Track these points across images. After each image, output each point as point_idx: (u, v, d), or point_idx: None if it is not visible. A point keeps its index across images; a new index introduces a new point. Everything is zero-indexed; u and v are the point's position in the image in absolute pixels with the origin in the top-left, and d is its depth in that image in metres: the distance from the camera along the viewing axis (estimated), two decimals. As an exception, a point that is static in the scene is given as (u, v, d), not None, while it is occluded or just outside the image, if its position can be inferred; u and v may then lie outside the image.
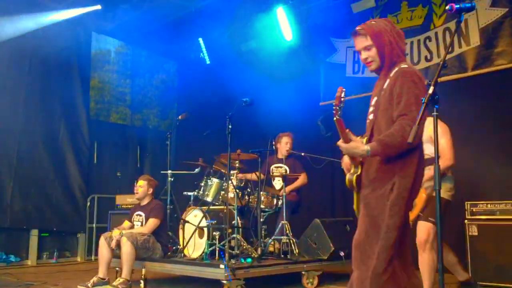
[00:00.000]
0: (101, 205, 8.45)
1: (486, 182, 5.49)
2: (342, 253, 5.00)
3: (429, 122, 3.11)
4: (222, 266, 4.18)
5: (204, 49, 9.21)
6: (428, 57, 6.53)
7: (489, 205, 4.92)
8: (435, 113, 2.20)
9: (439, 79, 6.31)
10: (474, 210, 5.00)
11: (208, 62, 9.23)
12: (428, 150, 3.32)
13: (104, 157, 8.85)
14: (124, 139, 9.25)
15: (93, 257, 8.12)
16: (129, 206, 7.60)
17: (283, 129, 7.21)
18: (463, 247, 5.08)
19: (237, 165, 5.18)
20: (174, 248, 5.36)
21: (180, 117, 5.88)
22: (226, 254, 4.37)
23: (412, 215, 3.60)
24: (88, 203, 8.34)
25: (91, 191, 8.45)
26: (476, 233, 4.93)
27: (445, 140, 4.01)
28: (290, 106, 7.76)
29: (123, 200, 7.73)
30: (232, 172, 5.10)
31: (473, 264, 4.92)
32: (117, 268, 5.41)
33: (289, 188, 5.51)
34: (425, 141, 3.04)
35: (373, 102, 2.85)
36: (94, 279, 4.96)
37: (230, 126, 4.77)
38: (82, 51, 8.56)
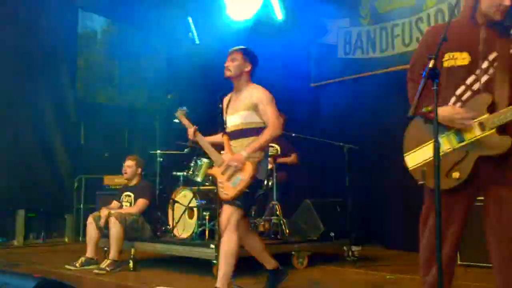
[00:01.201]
0: (88, 186, 8.33)
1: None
2: (332, 234, 5.01)
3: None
4: (212, 246, 4.15)
5: (193, 29, 9.09)
6: (420, 39, 6.46)
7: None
8: (435, 87, 2.13)
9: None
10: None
11: (197, 42, 9.12)
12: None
13: (91, 138, 8.71)
14: (112, 120, 9.10)
15: (80, 238, 8.03)
16: (117, 187, 7.52)
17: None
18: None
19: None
20: (163, 228, 5.32)
21: (169, 96, 5.79)
22: (216, 234, 4.34)
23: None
24: (76, 184, 8.24)
25: (79, 172, 8.33)
26: (465, 215, 4.94)
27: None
28: (280, 87, 7.63)
29: (111, 180, 7.65)
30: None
31: (462, 246, 4.93)
32: (105, 248, 5.36)
33: (279, 160, 5.46)
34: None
35: (491, 57, 2.39)
36: (82, 258, 4.91)
37: (221, 106, 4.69)
38: (68, 29, 8.36)
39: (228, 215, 3.32)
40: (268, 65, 7.52)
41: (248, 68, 3.57)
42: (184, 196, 5.11)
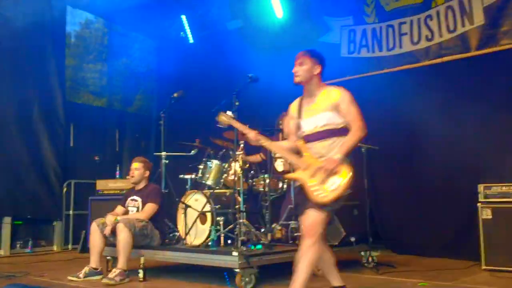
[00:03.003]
0: (78, 191, 7.94)
1: (498, 164, 5.33)
2: (353, 239, 4.77)
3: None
4: (235, 253, 3.85)
5: (187, 27, 8.78)
6: (429, 37, 6.31)
7: (504, 188, 4.77)
8: None
9: (442, 59, 6.13)
10: (488, 192, 4.85)
11: (191, 41, 8.81)
12: None
13: (81, 140, 8.31)
14: (102, 122, 8.71)
15: (70, 246, 7.65)
16: (111, 192, 7.17)
17: (274, 111, 6.92)
18: (474, 232, 4.94)
19: (241, 145, 4.82)
20: (171, 235, 4.98)
21: (175, 94, 5.46)
22: (238, 241, 4.04)
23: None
24: (65, 189, 7.81)
25: (68, 176, 7.92)
26: (490, 217, 4.78)
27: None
28: (281, 88, 7.42)
29: (104, 185, 7.25)
30: (236, 153, 4.73)
31: (486, 249, 4.78)
32: (108, 257, 5.02)
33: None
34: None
35: None
36: (86, 269, 4.55)
37: (237, 103, 4.42)
38: (56, 27, 7.95)
39: (315, 221, 3.14)
40: (267, 66, 7.42)
41: (317, 70, 3.39)
42: (195, 201, 4.79)
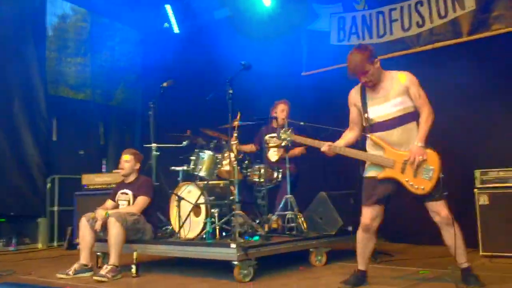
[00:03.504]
0: (62, 187, 7.72)
1: (493, 149, 5.29)
2: (350, 228, 4.68)
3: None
4: (233, 245, 3.72)
5: (172, 17, 8.56)
6: (420, 23, 6.24)
7: (501, 173, 4.72)
8: None
9: (433, 45, 6.06)
10: (484, 178, 4.80)
11: (177, 31, 8.60)
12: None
13: (64, 134, 8.09)
14: (85, 116, 8.47)
15: (55, 243, 7.43)
16: (97, 187, 6.98)
17: (263, 101, 6.78)
18: (471, 218, 4.89)
19: (235, 135, 4.68)
20: (164, 228, 4.83)
21: (165, 84, 5.28)
22: (236, 233, 3.91)
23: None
24: (49, 185, 7.58)
25: (51, 172, 7.69)
26: (487, 203, 4.73)
27: None
28: (270, 77, 7.31)
29: (90, 180, 7.05)
30: (231, 143, 4.60)
31: (484, 235, 4.73)
32: (98, 253, 4.84)
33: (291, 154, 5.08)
34: None
35: None
36: (76, 266, 4.37)
37: (231, 91, 4.29)
38: (36, 16, 7.69)
39: (445, 209, 3.29)
40: (256, 54, 7.27)
41: (377, 64, 3.35)
42: (188, 192, 4.64)
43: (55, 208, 7.58)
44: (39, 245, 7.36)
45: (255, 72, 6.96)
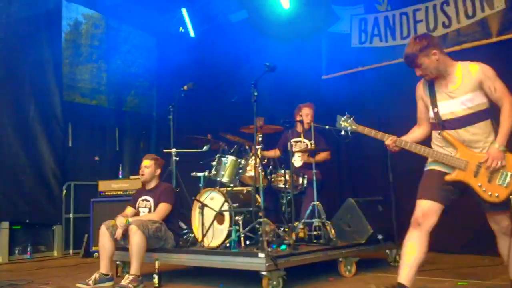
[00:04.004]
0: (78, 193, 7.59)
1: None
2: (380, 237, 4.47)
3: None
4: (261, 254, 3.54)
5: (188, 21, 8.43)
6: (446, 23, 6.04)
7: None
8: None
9: (461, 46, 5.83)
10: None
11: (192, 35, 8.47)
12: None
13: (79, 141, 7.96)
14: (100, 121, 8.36)
15: (71, 251, 7.29)
16: (114, 193, 6.85)
17: (283, 105, 6.61)
18: None
19: (260, 139, 4.50)
20: (185, 237, 4.65)
21: (185, 87, 5.13)
22: (264, 241, 3.72)
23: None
24: (64, 191, 7.45)
25: (67, 178, 7.56)
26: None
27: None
28: (290, 81, 7.16)
29: (107, 186, 6.92)
30: (256, 147, 4.41)
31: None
32: (117, 262, 4.69)
33: (315, 159, 4.89)
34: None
35: None
36: (96, 275, 4.21)
37: (256, 93, 4.12)
38: (52, 21, 7.58)
39: (509, 219, 2.97)
40: (275, 58, 7.11)
41: (435, 56, 2.98)
42: (211, 199, 4.47)
43: (71, 215, 7.44)
44: (55, 253, 7.23)
45: (273, 75, 6.87)
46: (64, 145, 7.69)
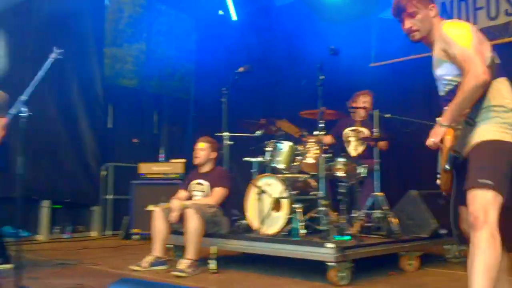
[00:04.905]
0: (117, 175, 7.53)
1: None
2: (443, 231, 4.29)
3: None
4: (330, 245, 3.39)
5: (230, 3, 8.25)
6: (509, 11, 5.77)
7: None
8: None
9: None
10: None
11: (234, 18, 8.30)
12: None
13: (119, 122, 7.89)
14: (139, 104, 8.26)
15: (110, 232, 7.25)
16: (155, 176, 6.75)
17: (328, 93, 6.41)
18: None
19: (322, 125, 4.30)
20: (238, 223, 4.53)
21: (241, 69, 4.98)
22: (331, 231, 3.58)
23: None
24: (104, 172, 7.39)
25: (106, 159, 7.50)
26: None
27: None
28: (336, 68, 6.93)
29: (147, 169, 6.84)
30: (317, 133, 4.24)
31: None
32: (168, 245, 4.58)
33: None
34: None
35: None
36: (150, 258, 4.13)
37: (322, 77, 3.95)
38: (95, 5, 7.48)
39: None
40: (320, 44, 6.91)
41: (433, 10, 2.42)
42: (268, 185, 4.33)
43: (110, 197, 7.39)
44: (93, 233, 7.21)
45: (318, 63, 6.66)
46: (105, 126, 7.63)
